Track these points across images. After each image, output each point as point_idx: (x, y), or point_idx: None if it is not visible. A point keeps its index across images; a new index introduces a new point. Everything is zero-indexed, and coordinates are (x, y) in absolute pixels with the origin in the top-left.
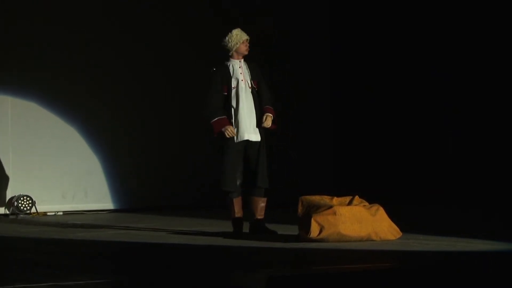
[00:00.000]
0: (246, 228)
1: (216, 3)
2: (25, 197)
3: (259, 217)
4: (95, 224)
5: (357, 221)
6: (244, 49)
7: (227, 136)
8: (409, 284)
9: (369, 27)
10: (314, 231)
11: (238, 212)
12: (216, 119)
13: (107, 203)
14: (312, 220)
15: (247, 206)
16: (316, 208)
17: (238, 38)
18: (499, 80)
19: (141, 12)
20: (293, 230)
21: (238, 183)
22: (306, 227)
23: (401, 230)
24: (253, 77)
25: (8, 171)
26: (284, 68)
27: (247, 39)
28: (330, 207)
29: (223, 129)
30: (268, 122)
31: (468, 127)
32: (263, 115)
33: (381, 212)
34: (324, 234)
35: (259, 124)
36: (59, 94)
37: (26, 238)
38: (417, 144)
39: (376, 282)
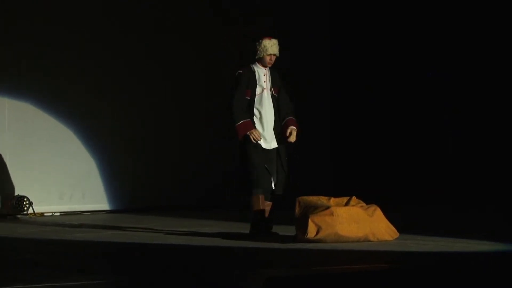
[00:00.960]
0: (245, 228)
1: (216, 3)
2: (22, 198)
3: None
4: (93, 225)
5: (355, 222)
6: (268, 61)
7: (253, 141)
8: (407, 285)
9: (369, 27)
10: (311, 231)
11: (263, 209)
12: (241, 122)
13: (105, 204)
14: (310, 221)
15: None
16: (314, 209)
17: (265, 50)
18: (498, 80)
19: (141, 12)
20: (290, 230)
21: (271, 184)
22: (303, 227)
23: (399, 230)
24: (274, 84)
25: (6, 172)
26: (284, 68)
27: (274, 54)
28: (327, 207)
29: (248, 133)
30: (293, 137)
31: (466, 127)
32: (286, 127)
33: (378, 213)
34: (321, 234)
35: (283, 136)
36: (56, 96)
37: (24, 238)
38: (416, 144)
39: (374, 282)
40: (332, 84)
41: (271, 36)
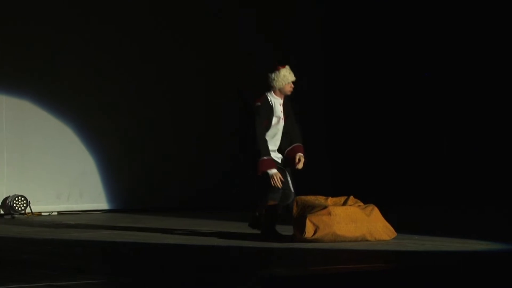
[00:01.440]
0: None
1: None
2: (20, 197)
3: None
4: (89, 225)
5: (352, 221)
6: (288, 89)
7: (272, 183)
8: (405, 284)
9: (365, 27)
10: (309, 231)
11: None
12: (265, 158)
13: (102, 204)
14: (307, 221)
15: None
16: (311, 209)
17: (285, 79)
18: (494, 81)
19: (138, 11)
20: (288, 230)
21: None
22: (301, 227)
23: (397, 230)
24: (286, 112)
25: (3, 171)
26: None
27: (293, 81)
28: (325, 207)
29: (270, 173)
30: (301, 164)
31: (461, 129)
32: (294, 152)
33: (376, 212)
34: (319, 234)
35: (290, 162)
36: (54, 95)
37: (21, 238)
38: (413, 145)
39: (372, 282)
40: (328, 83)
41: (283, 64)
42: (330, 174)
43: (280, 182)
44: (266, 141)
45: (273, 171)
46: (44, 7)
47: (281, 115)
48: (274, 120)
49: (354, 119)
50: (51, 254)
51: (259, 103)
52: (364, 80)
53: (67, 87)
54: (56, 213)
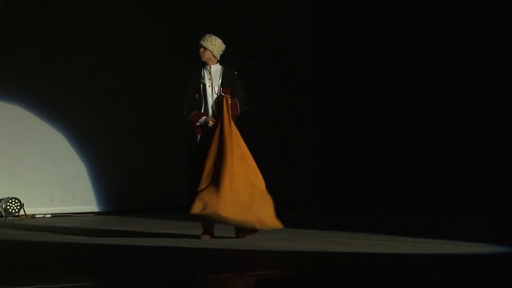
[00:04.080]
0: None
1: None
2: (13, 200)
3: None
4: (82, 227)
5: (238, 206)
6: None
7: (209, 125)
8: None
9: (357, 30)
10: (196, 208)
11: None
12: (192, 114)
13: (95, 206)
14: (197, 198)
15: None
16: (207, 186)
17: (223, 46)
18: (492, 83)
19: (127, 17)
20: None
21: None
22: (192, 203)
23: (391, 233)
24: (224, 85)
25: None
26: (268, 72)
27: (200, 46)
28: (217, 188)
29: (202, 120)
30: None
31: (458, 131)
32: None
33: (267, 202)
34: (205, 212)
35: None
36: (45, 100)
37: (14, 240)
38: (407, 149)
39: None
40: (319, 87)
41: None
42: (322, 178)
43: (212, 121)
44: (188, 102)
45: (202, 119)
46: (39, 12)
47: (209, 83)
48: (202, 86)
49: (346, 122)
50: (43, 256)
51: (189, 71)
52: (359, 81)
53: (58, 92)
54: (49, 215)
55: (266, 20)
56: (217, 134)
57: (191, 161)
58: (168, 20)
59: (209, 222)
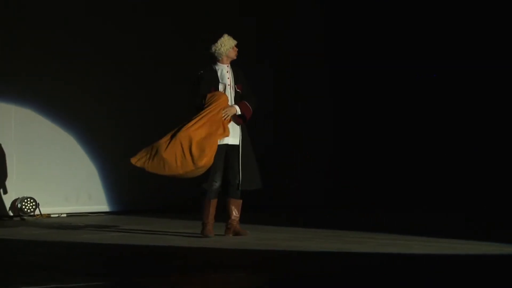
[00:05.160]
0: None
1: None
2: (29, 199)
3: (234, 218)
4: (98, 226)
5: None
6: (234, 54)
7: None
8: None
9: (371, 29)
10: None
11: (212, 213)
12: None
13: (111, 205)
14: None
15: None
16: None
17: (230, 43)
18: (502, 84)
19: (139, 18)
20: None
21: (217, 185)
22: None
23: (404, 233)
24: (237, 81)
25: (12, 173)
26: (284, 70)
27: (236, 44)
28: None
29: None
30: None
31: (471, 131)
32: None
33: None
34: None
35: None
36: (58, 101)
37: (29, 240)
38: (419, 148)
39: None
40: (332, 86)
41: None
42: (332, 180)
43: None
44: (199, 103)
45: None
46: (52, 14)
47: (228, 81)
48: (221, 87)
49: (357, 120)
50: (59, 256)
51: (202, 71)
52: (368, 80)
53: (72, 92)
54: (65, 215)
55: (268, 20)
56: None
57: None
58: (183, 19)
59: (210, 220)
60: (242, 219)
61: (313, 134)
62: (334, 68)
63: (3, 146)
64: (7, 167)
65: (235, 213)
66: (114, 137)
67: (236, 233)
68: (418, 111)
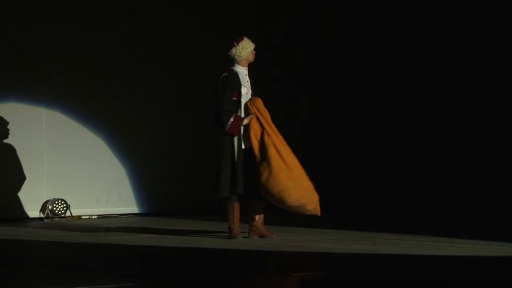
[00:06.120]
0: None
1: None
2: (59, 201)
3: (259, 220)
4: (128, 228)
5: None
6: (253, 57)
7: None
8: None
9: (401, 28)
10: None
11: (237, 216)
12: (231, 121)
13: (141, 207)
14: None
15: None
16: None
17: (250, 46)
18: None
19: (165, 15)
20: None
21: (242, 188)
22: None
23: (433, 234)
24: (252, 85)
25: (43, 175)
26: (311, 73)
27: (254, 48)
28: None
29: (246, 122)
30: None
31: (502, 133)
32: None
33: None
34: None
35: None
36: (88, 104)
37: (60, 242)
38: (450, 148)
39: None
40: (362, 86)
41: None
42: (359, 174)
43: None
44: (229, 110)
45: (245, 120)
46: (81, 16)
47: (248, 84)
48: (244, 90)
49: (387, 120)
50: (90, 257)
51: (226, 73)
52: (400, 81)
53: (99, 94)
54: (95, 217)
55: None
56: (255, 135)
57: (228, 162)
58: (210, 21)
59: (236, 223)
60: (270, 221)
61: (340, 134)
62: (363, 69)
63: (34, 148)
64: (38, 169)
65: (259, 215)
66: (143, 139)
67: (262, 235)
68: (455, 113)
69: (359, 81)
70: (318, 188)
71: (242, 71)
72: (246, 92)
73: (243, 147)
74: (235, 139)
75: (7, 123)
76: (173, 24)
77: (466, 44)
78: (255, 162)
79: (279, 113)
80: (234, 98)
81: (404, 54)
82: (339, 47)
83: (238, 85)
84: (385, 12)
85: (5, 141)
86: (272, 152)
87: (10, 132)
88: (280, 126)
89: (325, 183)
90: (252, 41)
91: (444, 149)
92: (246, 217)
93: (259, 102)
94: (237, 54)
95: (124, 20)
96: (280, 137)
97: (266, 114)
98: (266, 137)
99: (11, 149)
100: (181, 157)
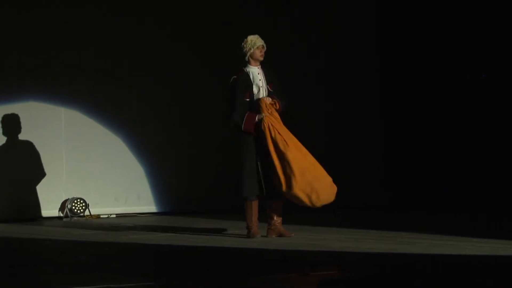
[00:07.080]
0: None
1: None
2: (78, 200)
3: (277, 219)
4: (147, 227)
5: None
6: (258, 54)
7: (266, 120)
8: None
9: (422, 27)
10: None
11: (255, 215)
12: (244, 119)
13: (160, 206)
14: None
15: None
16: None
17: (252, 43)
18: None
19: (183, 14)
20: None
21: (261, 188)
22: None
23: (454, 234)
24: (268, 81)
25: (62, 175)
26: (335, 70)
27: (262, 45)
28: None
29: (260, 118)
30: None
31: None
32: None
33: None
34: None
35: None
36: (107, 103)
37: (80, 241)
38: (474, 149)
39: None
40: (383, 85)
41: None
42: (384, 178)
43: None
44: (241, 112)
45: (258, 116)
46: (97, 17)
47: (261, 83)
48: (255, 89)
49: (411, 120)
50: (109, 256)
51: (235, 76)
52: (420, 80)
53: (118, 94)
54: (114, 216)
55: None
56: (269, 134)
57: (247, 162)
58: (231, 23)
59: (254, 222)
60: (288, 220)
61: (362, 135)
62: (385, 68)
63: (53, 147)
64: (57, 168)
65: (277, 215)
66: (162, 138)
67: (280, 235)
68: (476, 113)
69: (380, 81)
70: (339, 188)
71: (254, 70)
72: (258, 91)
73: (262, 147)
74: (256, 139)
75: (27, 122)
76: (192, 24)
77: (481, 44)
78: (272, 162)
79: (297, 115)
80: (246, 99)
81: (429, 53)
82: (357, 51)
83: (248, 85)
84: (403, 12)
85: (25, 140)
86: (289, 152)
87: (29, 131)
88: (297, 128)
89: (346, 182)
90: (263, 39)
91: (465, 149)
92: (264, 216)
93: (266, 101)
94: (243, 53)
95: (143, 20)
96: (291, 135)
97: (276, 114)
98: (278, 136)
99: (31, 149)
100: (200, 157)
